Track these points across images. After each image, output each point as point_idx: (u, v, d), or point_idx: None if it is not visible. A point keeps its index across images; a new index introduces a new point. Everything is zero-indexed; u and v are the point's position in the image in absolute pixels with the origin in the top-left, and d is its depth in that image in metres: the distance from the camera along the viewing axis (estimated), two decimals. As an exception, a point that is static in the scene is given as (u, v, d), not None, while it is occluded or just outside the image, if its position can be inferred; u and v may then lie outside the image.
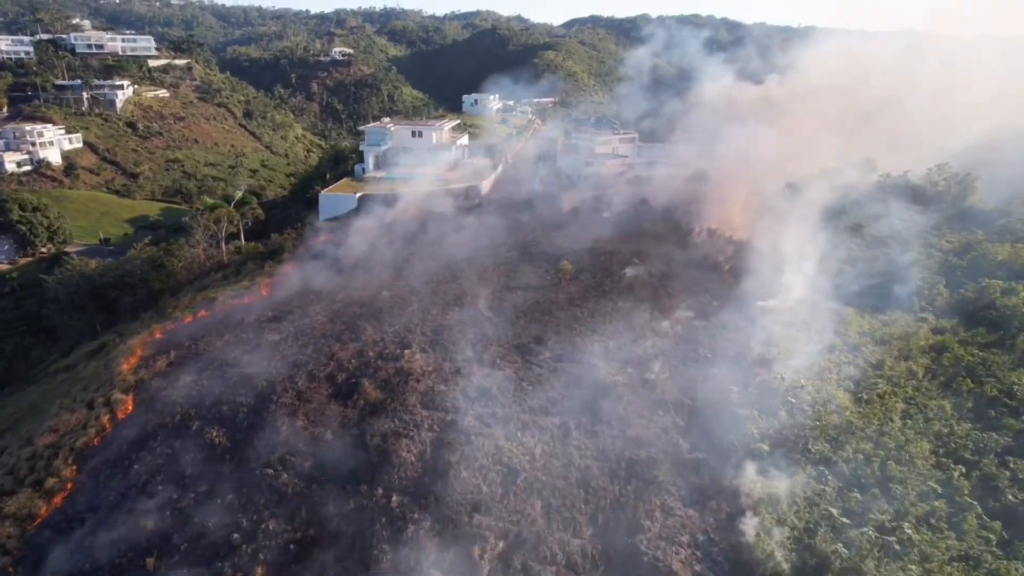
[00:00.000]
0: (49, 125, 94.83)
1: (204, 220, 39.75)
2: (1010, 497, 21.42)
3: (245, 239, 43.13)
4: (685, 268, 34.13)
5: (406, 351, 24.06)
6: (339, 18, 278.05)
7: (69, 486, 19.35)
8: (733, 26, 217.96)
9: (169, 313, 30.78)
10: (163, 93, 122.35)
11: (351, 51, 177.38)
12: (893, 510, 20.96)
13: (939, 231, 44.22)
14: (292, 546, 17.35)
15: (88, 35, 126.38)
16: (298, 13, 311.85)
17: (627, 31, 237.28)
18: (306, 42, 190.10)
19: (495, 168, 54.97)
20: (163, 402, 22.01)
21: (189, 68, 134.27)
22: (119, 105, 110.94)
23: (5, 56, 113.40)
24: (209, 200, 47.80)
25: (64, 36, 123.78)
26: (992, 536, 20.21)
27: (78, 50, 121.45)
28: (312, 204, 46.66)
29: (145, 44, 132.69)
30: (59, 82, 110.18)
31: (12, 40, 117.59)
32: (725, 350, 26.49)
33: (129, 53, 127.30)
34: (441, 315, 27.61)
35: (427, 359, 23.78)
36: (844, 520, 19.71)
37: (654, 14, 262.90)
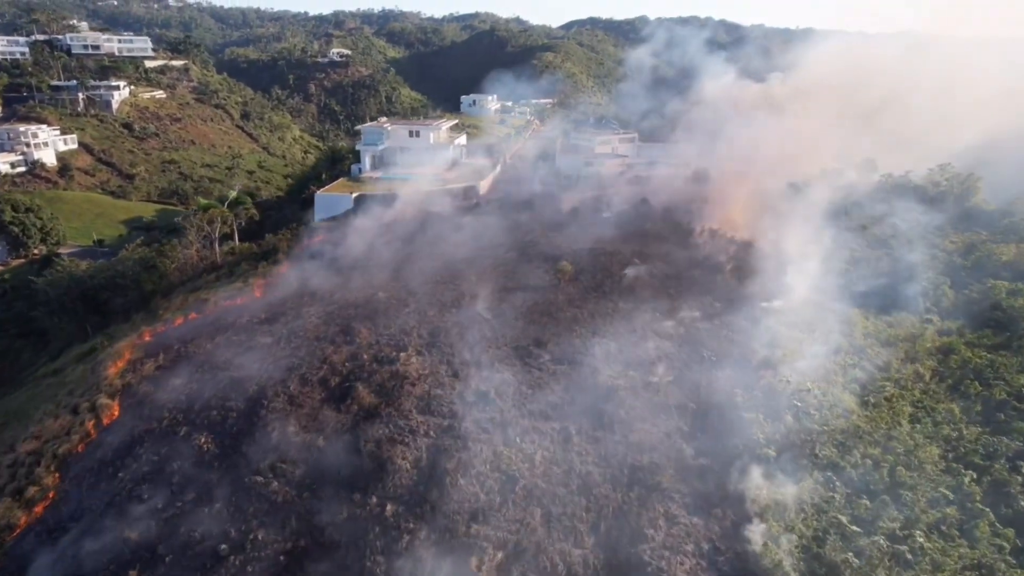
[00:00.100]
0: (44, 126, 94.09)
1: (197, 220, 39.08)
2: (1023, 503, 20.82)
3: (239, 240, 42.47)
4: (687, 268, 33.57)
5: (402, 354, 23.40)
6: (337, 20, 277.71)
7: (51, 495, 18.65)
8: (731, 28, 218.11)
9: (160, 315, 30.09)
10: (160, 94, 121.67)
11: (349, 52, 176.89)
12: (903, 517, 20.36)
13: (942, 231, 43.77)
14: (282, 557, 16.67)
15: (84, 36, 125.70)
16: (296, 15, 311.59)
17: (625, 33, 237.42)
18: (304, 43, 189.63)
19: (493, 168, 54.42)
20: (150, 407, 21.33)
21: (186, 69, 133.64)
22: (115, 106, 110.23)
23: (0, 57, 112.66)
24: (203, 200, 47.15)
25: (60, 37, 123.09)
26: (1005, 544, 19.60)
27: (74, 51, 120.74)
28: (308, 204, 46.03)
29: (142, 45, 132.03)
30: (55, 83, 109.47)
31: (7, 41, 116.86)
32: (729, 352, 25.90)
33: (125, 54, 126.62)
34: (438, 317, 26.97)
35: (423, 362, 23.13)
36: (854, 528, 19.09)
37: (652, 16, 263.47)
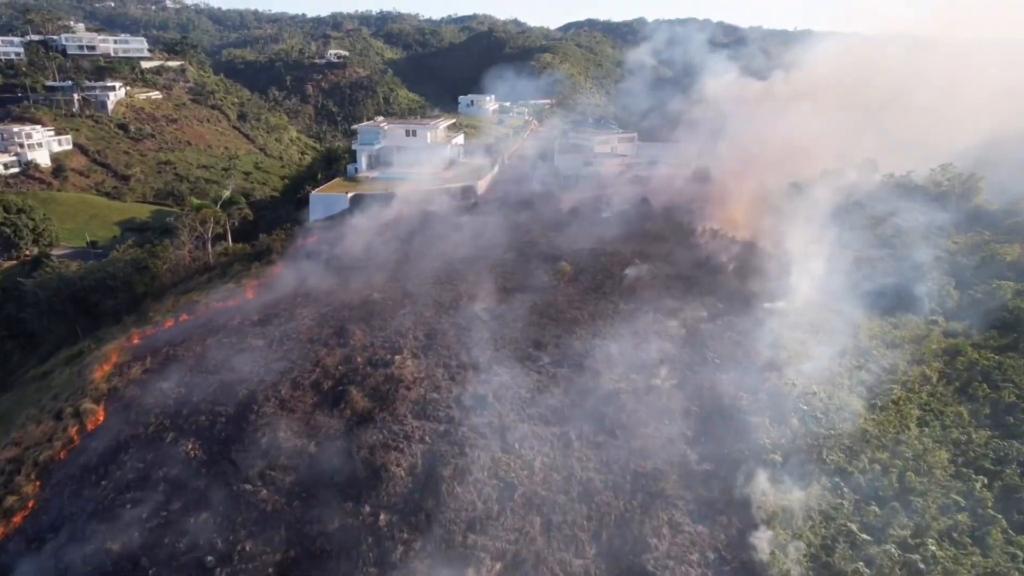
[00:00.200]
0: (38, 126, 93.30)
1: (189, 220, 38.35)
2: (1036, 509, 20.27)
3: (233, 240, 41.75)
4: (688, 269, 32.99)
5: (397, 357, 22.73)
6: (335, 21, 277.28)
7: (30, 504, 17.93)
8: (729, 29, 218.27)
9: (149, 317, 29.37)
10: (156, 95, 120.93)
11: (346, 53, 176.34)
12: (914, 524, 19.78)
13: (945, 232, 43.33)
14: (271, 569, 16.01)
15: (79, 36, 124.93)
16: (294, 17, 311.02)
17: (623, 34, 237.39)
18: (301, 44, 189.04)
19: (491, 168, 53.83)
20: (137, 412, 20.64)
21: (182, 70, 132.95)
22: (110, 107, 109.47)
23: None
24: (196, 200, 46.44)
25: (55, 37, 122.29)
26: (1019, 552, 19.04)
27: (69, 51, 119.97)
28: (303, 204, 45.35)
29: (137, 46, 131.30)
30: (49, 83, 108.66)
31: (2, 41, 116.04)
32: (732, 354, 25.31)
33: (121, 55, 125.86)
34: (435, 318, 26.31)
35: (419, 365, 22.46)
36: (864, 536, 18.49)
37: (650, 18, 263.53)
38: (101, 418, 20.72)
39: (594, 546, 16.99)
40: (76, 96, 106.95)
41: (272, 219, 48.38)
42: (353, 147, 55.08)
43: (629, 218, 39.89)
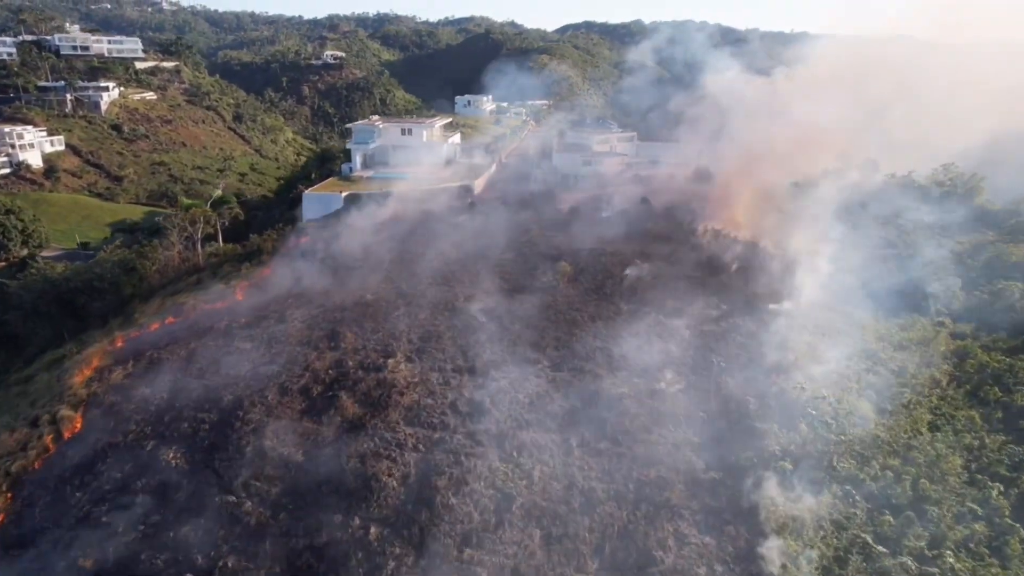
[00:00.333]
0: (30, 127, 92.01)
1: (179, 220, 37.38)
2: (1056, 519, 19.47)
3: (224, 241, 40.78)
4: (690, 269, 32.20)
5: (390, 360, 21.82)
6: (332, 23, 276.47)
7: (0, 517, 16.92)
8: (727, 32, 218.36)
9: (134, 319, 28.39)
10: (150, 95, 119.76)
11: (343, 55, 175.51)
12: (929, 534, 18.96)
13: (949, 232, 42.75)
14: (254, 587, 15.04)
15: (73, 36, 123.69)
16: (291, 19, 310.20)
17: (621, 36, 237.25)
18: (298, 46, 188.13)
19: (489, 167, 53.01)
20: (116, 419, 19.67)
21: (177, 70, 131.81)
22: (104, 107, 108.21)
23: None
24: (186, 200, 45.47)
25: (48, 37, 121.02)
26: (1040, 563, 18.22)
27: (63, 52, 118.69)
28: (296, 204, 44.44)
29: (132, 46, 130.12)
30: (42, 84, 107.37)
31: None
32: (738, 357, 24.50)
33: (115, 55, 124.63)
34: (429, 320, 25.41)
35: (413, 369, 21.56)
36: (880, 548, 17.64)
37: (647, 20, 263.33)
38: (79, 425, 19.75)
39: (597, 560, 16.15)
40: (69, 96, 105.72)
41: (265, 219, 47.43)
42: (347, 146, 54.18)
43: (629, 218, 39.11)
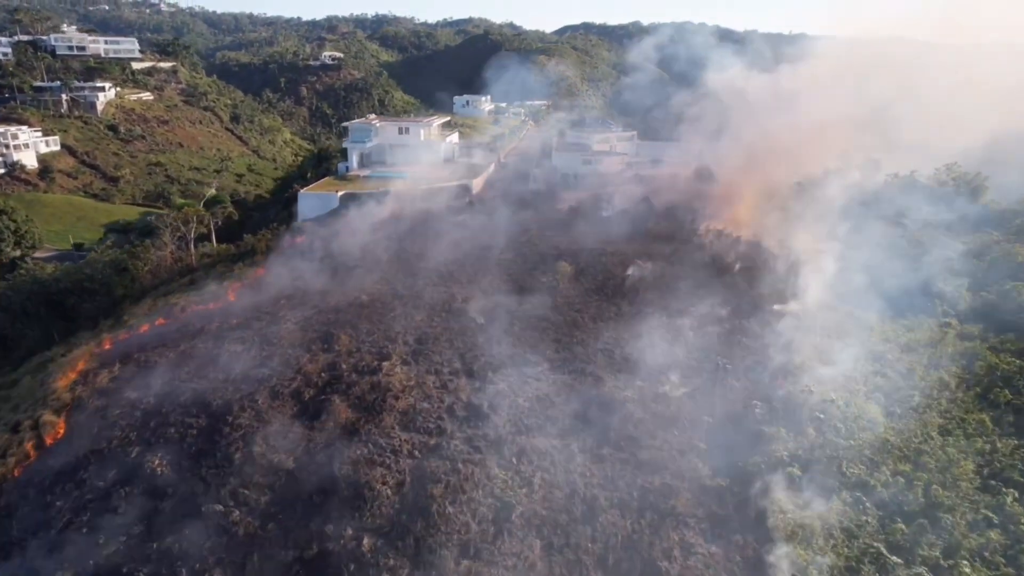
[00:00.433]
0: (24, 127, 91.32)
1: (171, 220, 36.66)
2: (1073, 526, 18.82)
3: (217, 241, 40.05)
4: (692, 270, 31.57)
5: (385, 363, 21.13)
6: (330, 24, 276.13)
7: (-25, 528, 16.20)
8: (725, 33, 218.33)
9: (124, 321, 27.68)
10: (147, 96, 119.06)
11: (341, 55, 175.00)
12: (943, 543, 18.30)
13: (953, 232, 42.20)
14: (241, 601, 14.35)
15: (69, 36, 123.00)
16: (289, 20, 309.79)
17: (619, 38, 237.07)
18: (296, 47, 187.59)
19: (487, 166, 52.38)
20: (100, 424, 18.95)
21: (174, 71, 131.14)
22: (100, 107, 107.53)
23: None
24: (180, 200, 44.77)
25: (44, 38, 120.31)
26: (1058, 573, 17.57)
27: (59, 52, 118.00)
28: (291, 204, 43.74)
29: (128, 46, 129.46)
30: (37, 84, 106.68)
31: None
32: (743, 359, 23.86)
33: (112, 55, 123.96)
34: (426, 322, 24.73)
35: (408, 372, 20.86)
36: (894, 559, 16.99)
37: (646, 22, 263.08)
38: (61, 431, 19.04)
39: (600, 571, 15.52)
40: (64, 97, 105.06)
41: (261, 220, 46.74)
42: (344, 145, 53.51)
43: (630, 217, 38.51)
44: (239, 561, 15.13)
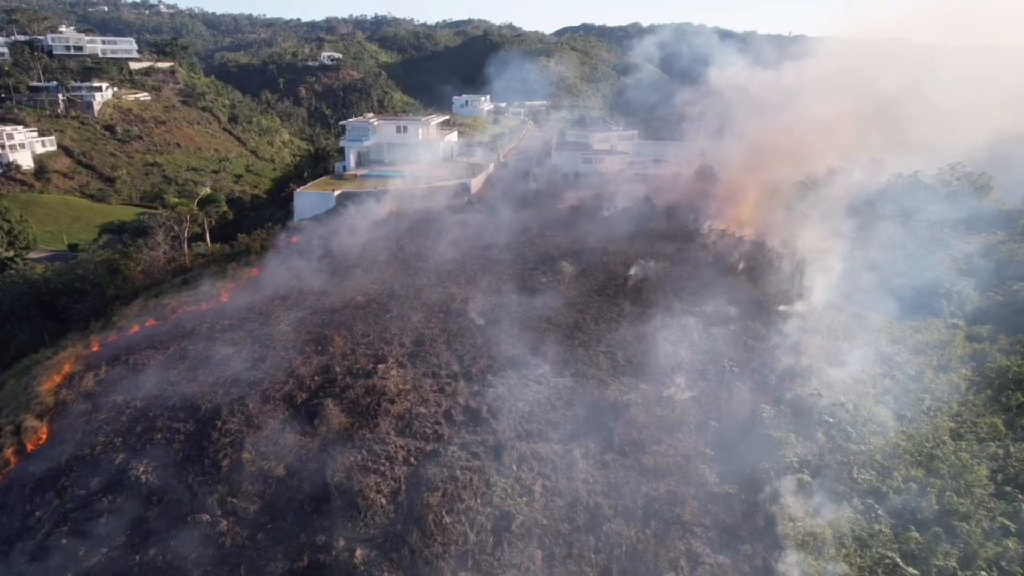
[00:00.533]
0: (20, 127, 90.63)
1: (164, 219, 35.99)
2: (1091, 535, 18.18)
3: (214, 241, 39.37)
4: (696, 270, 30.98)
5: (380, 366, 20.44)
6: (329, 25, 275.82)
7: (-49, 539, 15.48)
8: (725, 34, 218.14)
9: (113, 322, 26.98)
10: (144, 96, 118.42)
11: (340, 56, 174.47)
12: (959, 552, 17.65)
13: (959, 232, 41.67)
14: (227, 617, 13.66)
15: (66, 36, 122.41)
16: (288, 21, 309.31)
17: (619, 39, 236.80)
18: (295, 47, 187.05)
19: (486, 166, 51.77)
20: (84, 429, 18.25)
21: (172, 71, 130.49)
22: (97, 108, 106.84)
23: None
24: (173, 199, 44.08)
25: (41, 38, 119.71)
26: (1078, 583, 16.92)
27: (56, 52, 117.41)
28: (288, 204, 43.08)
29: (126, 46, 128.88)
30: (34, 84, 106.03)
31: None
32: (749, 361, 23.20)
33: (109, 55, 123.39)
34: (423, 323, 24.05)
35: (405, 375, 20.18)
36: (910, 571, 16.32)
37: (645, 23, 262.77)
38: (44, 437, 18.33)
39: (603, 583, 14.78)
40: (61, 97, 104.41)
41: (257, 219, 46.06)
42: (341, 144, 52.87)
43: (631, 217, 37.88)
44: (226, 574, 14.44)
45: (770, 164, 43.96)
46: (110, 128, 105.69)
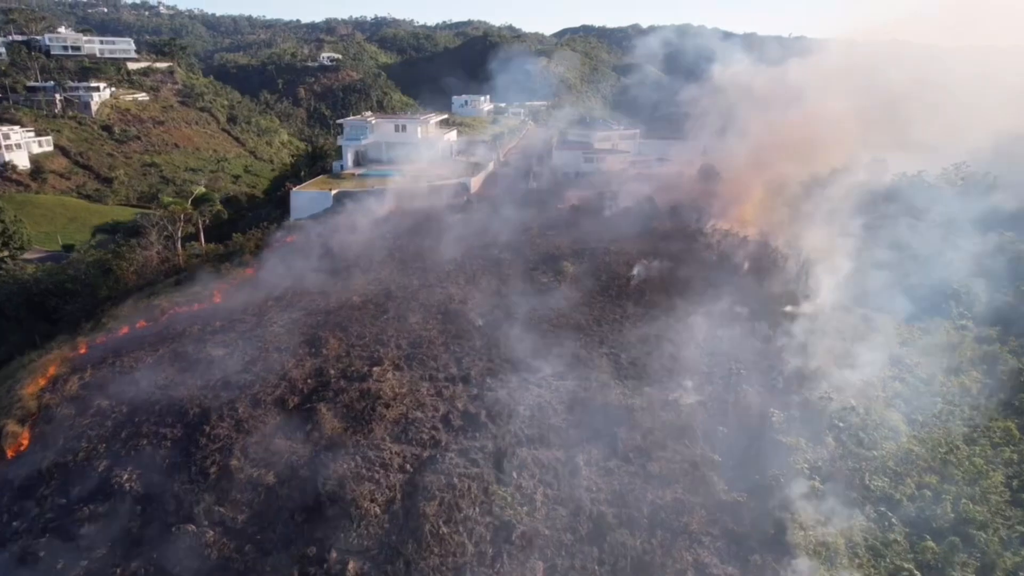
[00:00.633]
0: (16, 127, 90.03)
1: (158, 219, 35.32)
2: (1110, 543, 17.55)
3: (206, 240, 38.71)
4: (700, 270, 30.30)
5: (376, 368, 19.76)
6: (329, 27, 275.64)
7: (-76, 550, 14.77)
8: (725, 36, 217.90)
9: (103, 323, 26.30)
10: (142, 96, 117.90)
11: (339, 56, 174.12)
12: (977, 563, 17.00)
13: (965, 232, 41.00)
14: (212, 633, 12.96)
15: (64, 36, 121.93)
16: (288, 23, 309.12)
17: (619, 40, 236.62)
18: (294, 48, 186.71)
19: (486, 165, 51.15)
20: (67, 435, 17.56)
21: (171, 71, 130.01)
22: (94, 108, 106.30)
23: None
24: (167, 198, 43.42)
25: (38, 38, 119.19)
26: (1101, 595, 16.26)
27: (53, 52, 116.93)
28: (284, 203, 42.47)
29: (124, 47, 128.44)
30: (31, 84, 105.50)
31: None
32: (757, 364, 22.52)
33: (107, 55, 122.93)
34: (421, 324, 23.37)
35: (401, 378, 19.50)
36: (929, 583, 15.65)
37: (645, 25, 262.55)
38: (25, 442, 17.64)
39: (608, 597, 14.11)
40: (58, 97, 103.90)
41: (254, 219, 45.43)
42: (339, 143, 52.24)
43: (634, 216, 37.26)
44: (212, 587, 13.76)
45: (774, 163, 43.39)
46: (108, 128, 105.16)
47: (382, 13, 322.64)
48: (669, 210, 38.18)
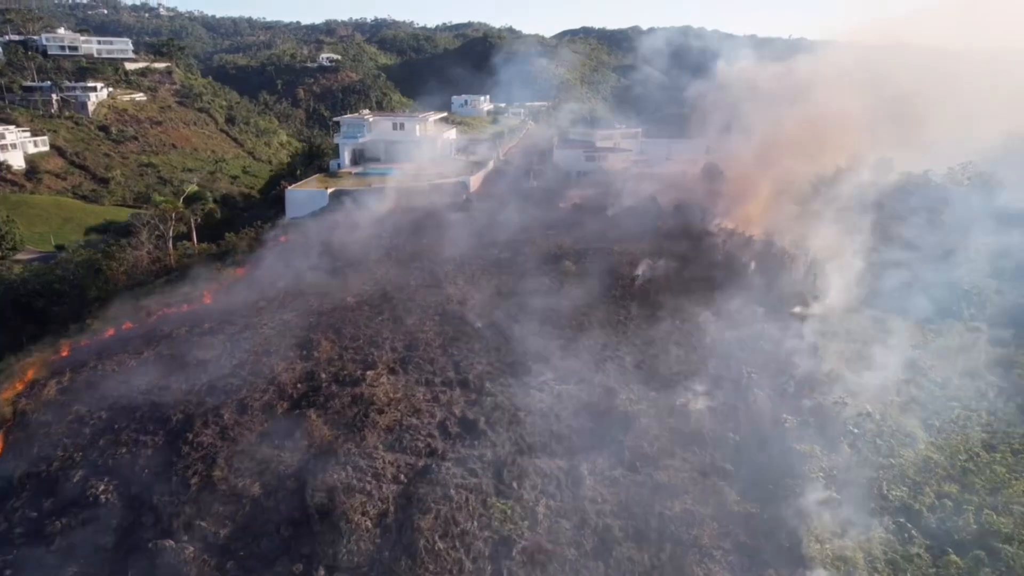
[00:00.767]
0: (12, 127, 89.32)
1: (148, 218, 34.48)
2: None
3: (199, 240, 37.86)
4: (705, 270, 29.45)
5: (369, 372, 18.87)
6: (329, 28, 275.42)
7: None
8: (725, 37, 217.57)
9: (88, 325, 25.41)
10: (140, 97, 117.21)
11: (339, 57, 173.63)
12: (1004, 579, 16.08)
13: (974, 232, 40.20)
14: (189, 658, 12.03)
15: (61, 36, 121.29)
16: (288, 24, 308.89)
17: (619, 42, 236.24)
18: (294, 49, 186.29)
19: (486, 164, 50.34)
20: (42, 443, 16.64)
21: (169, 72, 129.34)
22: (91, 108, 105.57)
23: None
24: (159, 197, 42.56)
25: (36, 37, 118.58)
26: None
27: (50, 52, 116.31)
28: (279, 202, 41.63)
29: (122, 47, 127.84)
30: (27, 83, 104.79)
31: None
32: (767, 367, 21.63)
33: (105, 55, 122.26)
34: (418, 326, 22.49)
35: (395, 383, 18.61)
36: (955, 601, 14.72)
37: (645, 26, 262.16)
38: (-2, 450, 16.73)
39: (614, 617, 13.20)
40: (55, 97, 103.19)
41: (250, 219, 44.60)
42: (336, 141, 51.43)
43: (637, 215, 36.45)
44: (191, 607, 12.83)
45: (779, 161, 42.64)
46: (104, 128, 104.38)
47: (382, 15, 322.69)
48: (673, 209, 37.37)
